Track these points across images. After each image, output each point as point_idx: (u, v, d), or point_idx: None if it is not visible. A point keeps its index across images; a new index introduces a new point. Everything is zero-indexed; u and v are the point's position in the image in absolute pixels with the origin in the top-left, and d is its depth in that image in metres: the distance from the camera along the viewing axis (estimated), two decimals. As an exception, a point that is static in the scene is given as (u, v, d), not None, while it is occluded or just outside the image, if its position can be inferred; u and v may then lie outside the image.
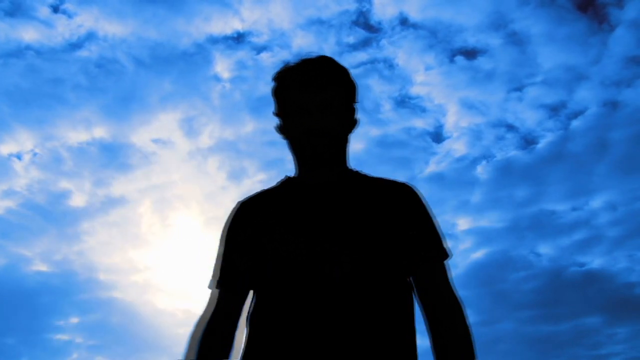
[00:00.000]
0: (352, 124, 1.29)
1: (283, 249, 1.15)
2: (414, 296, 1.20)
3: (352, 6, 8.22)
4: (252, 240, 1.22)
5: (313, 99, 1.19)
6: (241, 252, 1.24)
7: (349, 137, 1.29)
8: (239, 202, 1.31)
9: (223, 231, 1.30)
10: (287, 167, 1.34)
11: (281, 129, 1.30)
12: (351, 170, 1.30)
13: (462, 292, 1.22)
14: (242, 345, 1.16)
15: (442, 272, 1.21)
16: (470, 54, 8.56)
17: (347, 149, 1.30)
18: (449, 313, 1.17)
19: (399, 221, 1.20)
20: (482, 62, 8.65)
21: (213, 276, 1.26)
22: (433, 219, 1.26)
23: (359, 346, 1.06)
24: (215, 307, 1.22)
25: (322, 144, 1.20)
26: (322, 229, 1.15)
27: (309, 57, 1.25)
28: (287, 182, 1.31)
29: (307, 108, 1.20)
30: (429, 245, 1.22)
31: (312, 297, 1.08)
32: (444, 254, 1.22)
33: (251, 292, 1.23)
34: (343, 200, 1.20)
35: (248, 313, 1.20)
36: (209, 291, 1.26)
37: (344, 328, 1.06)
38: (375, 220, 1.17)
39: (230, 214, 1.30)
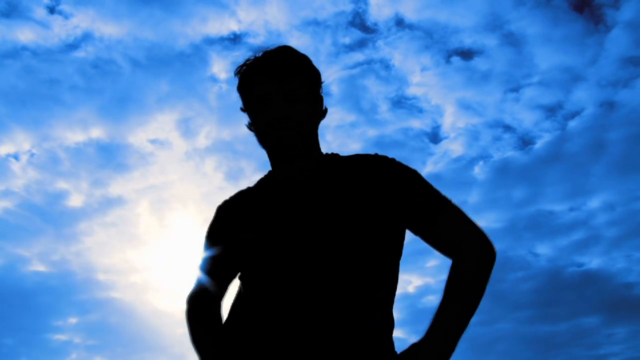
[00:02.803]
0: (320, 112, 1.27)
1: (265, 245, 1.16)
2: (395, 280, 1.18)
3: (348, 7, 8.23)
4: (233, 237, 1.24)
5: (275, 90, 1.18)
6: (222, 248, 1.28)
7: (317, 126, 1.27)
8: (218, 206, 1.35)
9: (207, 232, 1.35)
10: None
11: (250, 125, 1.29)
12: (325, 156, 1.27)
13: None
14: (231, 334, 1.18)
15: (459, 216, 1.15)
16: (467, 54, 8.57)
17: (316, 137, 1.27)
18: (474, 244, 1.12)
19: (386, 193, 1.15)
20: (478, 63, 8.66)
21: (200, 266, 1.34)
22: (418, 175, 1.21)
23: (344, 337, 1.06)
24: (202, 292, 1.31)
25: (286, 133, 1.18)
26: (302, 223, 1.14)
27: (269, 48, 1.23)
28: (265, 179, 1.31)
29: (270, 99, 1.18)
30: (429, 200, 1.16)
31: (299, 289, 1.09)
32: (446, 201, 1.16)
33: (235, 282, 1.27)
34: (321, 191, 1.19)
35: (234, 304, 1.24)
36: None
37: (328, 315, 1.06)
38: (358, 203, 1.14)
39: (213, 216, 1.35)
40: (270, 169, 1.31)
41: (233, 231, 1.25)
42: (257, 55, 1.23)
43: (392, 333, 1.16)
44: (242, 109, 1.30)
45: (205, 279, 1.31)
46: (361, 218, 1.13)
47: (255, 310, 1.14)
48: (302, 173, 1.23)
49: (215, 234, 1.32)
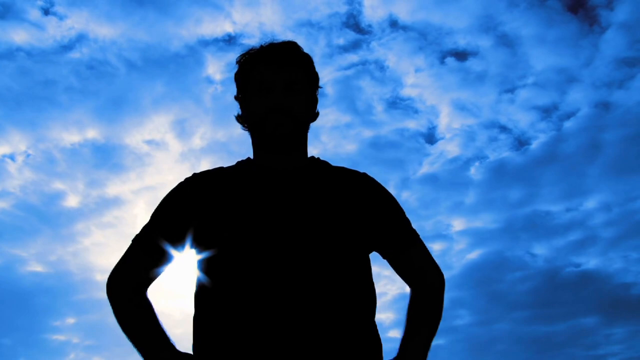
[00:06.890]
0: (312, 114, 1.27)
1: (247, 234, 1.10)
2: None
3: (342, 8, 8.22)
4: (203, 213, 1.16)
5: (277, 77, 1.17)
6: (182, 220, 1.18)
7: (309, 126, 1.27)
8: (193, 174, 1.24)
9: (168, 195, 1.23)
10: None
11: (242, 117, 1.26)
12: (312, 157, 1.27)
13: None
14: (199, 330, 1.12)
15: (424, 252, 1.27)
16: (461, 55, 8.56)
17: (307, 138, 1.27)
18: (433, 283, 1.26)
19: (365, 207, 1.19)
20: (473, 64, 8.65)
21: (142, 232, 1.21)
22: (398, 204, 1.27)
23: (325, 328, 1.04)
24: (135, 274, 1.21)
25: (284, 122, 1.17)
26: (288, 216, 1.12)
27: (274, 41, 1.23)
28: (246, 164, 1.26)
29: (271, 86, 1.17)
30: (404, 232, 1.26)
31: (278, 283, 1.05)
32: (416, 236, 1.27)
33: (198, 271, 1.17)
34: (308, 187, 1.17)
35: (199, 294, 1.15)
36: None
37: (310, 311, 1.04)
38: (340, 206, 1.16)
39: (182, 182, 1.24)
40: (249, 156, 1.28)
41: (210, 211, 1.15)
42: (262, 45, 1.23)
43: (379, 348, 1.13)
44: (236, 97, 1.28)
45: (146, 256, 1.19)
46: (345, 223, 1.15)
47: (234, 308, 1.06)
48: (292, 166, 1.21)
49: (184, 208, 1.18)
